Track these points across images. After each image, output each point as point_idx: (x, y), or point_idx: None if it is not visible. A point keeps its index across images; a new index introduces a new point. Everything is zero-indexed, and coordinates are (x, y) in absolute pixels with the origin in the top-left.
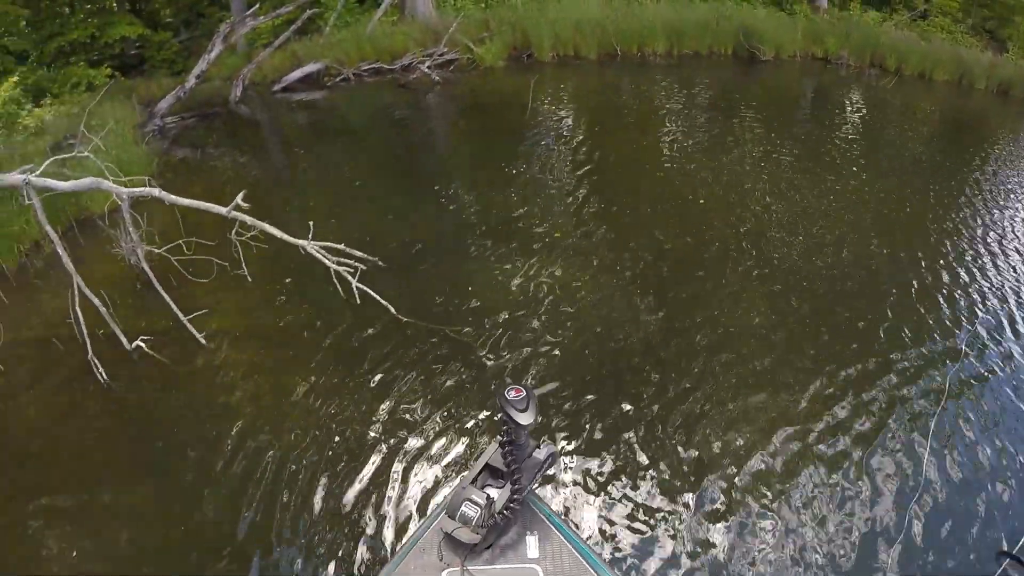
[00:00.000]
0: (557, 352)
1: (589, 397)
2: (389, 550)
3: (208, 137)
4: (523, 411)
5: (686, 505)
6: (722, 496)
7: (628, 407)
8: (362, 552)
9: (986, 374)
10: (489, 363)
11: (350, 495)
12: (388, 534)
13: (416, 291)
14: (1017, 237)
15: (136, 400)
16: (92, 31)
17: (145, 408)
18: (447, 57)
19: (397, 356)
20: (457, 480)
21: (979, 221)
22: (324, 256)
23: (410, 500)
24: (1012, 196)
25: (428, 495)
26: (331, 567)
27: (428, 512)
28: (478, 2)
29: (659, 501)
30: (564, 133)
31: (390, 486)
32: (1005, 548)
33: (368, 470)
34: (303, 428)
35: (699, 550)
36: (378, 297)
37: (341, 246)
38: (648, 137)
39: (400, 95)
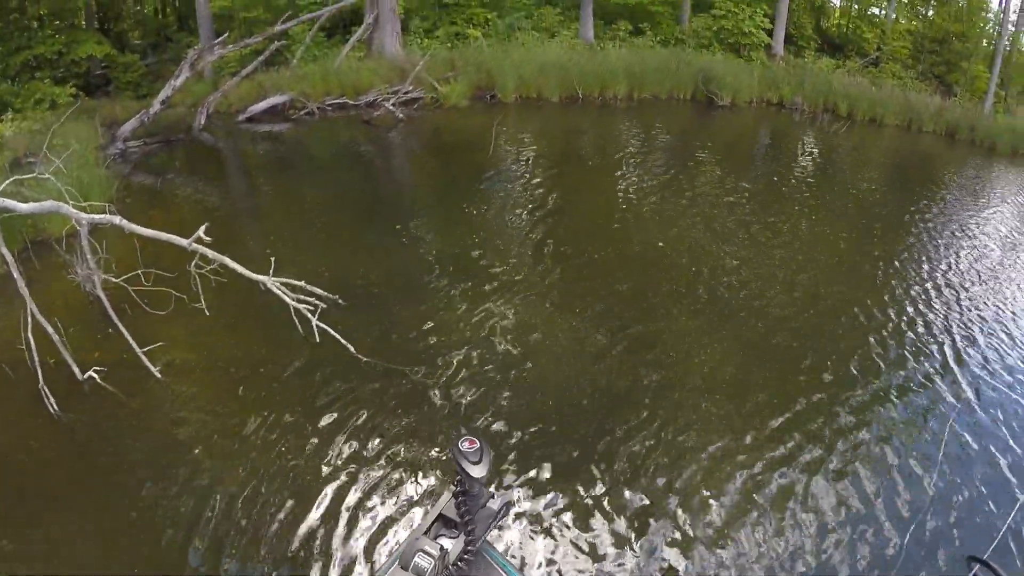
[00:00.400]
0: (512, 394)
1: (543, 442)
2: None
3: (170, 163)
4: (476, 463)
5: (644, 552)
6: (677, 539)
7: (582, 451)
8: None
9: (934, 403)
10: (445, 405)
11: (299, 541)
12: None
13: (375, 329)
14: (960, 271)
15: (87, 433)
16: (59, 47)
17: (96, 441)
18: (412, 95)
19: (353, 396)
20: (410, 529)
21: (925, 257)
22: (284, 293)
23: (361, 547)
24: (956, 232)
25: (380, 542)
26: None
27: (380, 562)
28: (444, 42)
29: (616, 548)
30: (525, 174)
31: (340, 532)
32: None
33: (318, 515)
34: (254, 468)
35: None
36: (337, 336)
37: (301, 283)
38: (607, 179)
39: (364, 131)
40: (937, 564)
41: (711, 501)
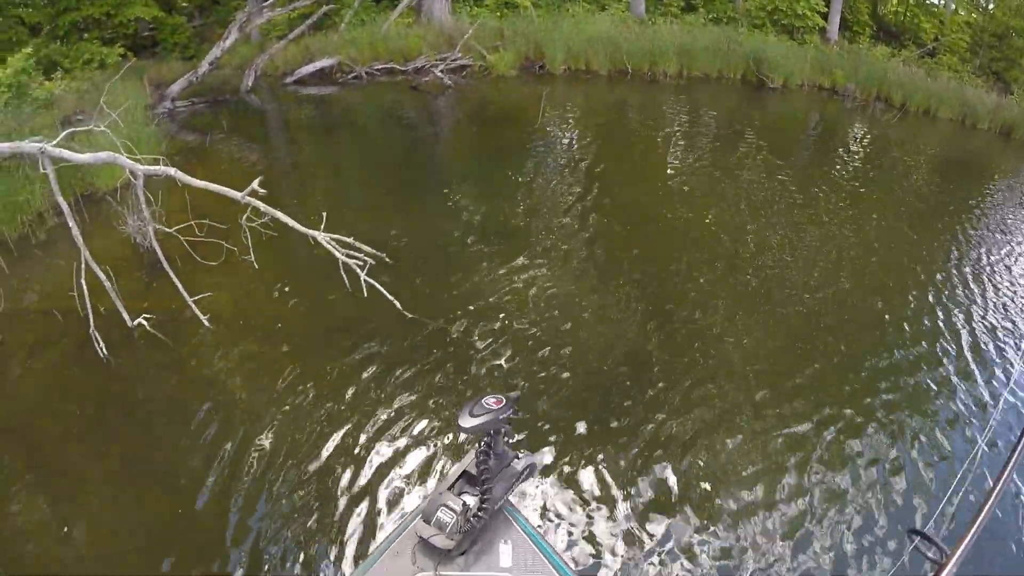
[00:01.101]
0: (547, 360)
1: (573, 408)
2: (364, 551)
3: (217, 123)
4: (499, 420)
5: (665, 527)
6: (702, 522)
7: (613, 424)
8: (337, 551)
9: (964, 402)
10: (483, 365)
11: (331, 492)
12: (363, 534)
13: (419, 289)
14: (1008, 271)
15: (134, 378)
16: (108, 9)
17: (143, 387)
18: (460, 62)
19: (394, 352)
20: (435, 485)
21: (971, 257)
22: (335, 248)
23: (388, 501)
24: (1003, 232)
25: (406, 497)
26: (305, 564)
27: (404, 515)
28: (494, 11)
29: (636, 521)
30: (571, 146)
31: (369, 483)
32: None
33: (351, 468)
34: (294, 419)
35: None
36: (385, 292)
37: (351, 239)
38: (653, 155)
39: (411, 96)
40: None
41: (731, 481)
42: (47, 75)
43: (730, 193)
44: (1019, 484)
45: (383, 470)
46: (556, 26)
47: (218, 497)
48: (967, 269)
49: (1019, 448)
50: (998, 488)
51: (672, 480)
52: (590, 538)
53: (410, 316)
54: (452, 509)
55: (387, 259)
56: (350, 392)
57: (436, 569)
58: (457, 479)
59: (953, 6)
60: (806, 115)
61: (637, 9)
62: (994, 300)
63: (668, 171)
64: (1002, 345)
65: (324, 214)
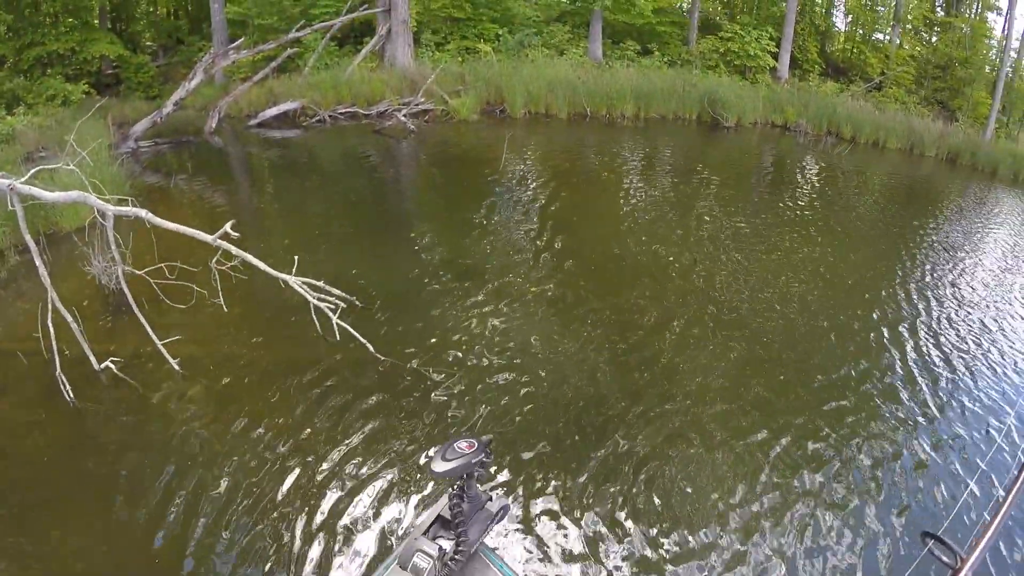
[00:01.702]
0: (518, 400)
1: (545, 448)
2: None
3: (181, 164)
4: (471, 464)
5: (640, 561)
6: (675, 548)
7: (583, 459)
8: None
9: (931, 421)
10: (456, 408)
11: (300, 542)
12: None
13: (388, 332)
14: (956, 288)
15: (101, 422)
16: (72, 45)
17: (111, 430)
18: (422, 107)
19: (365, 395)
20: (410, 530)
21: (924, 278)
22: (306, 291)
23: (363, 550)
24: (954, 254)
25: (382, 545)
26: None
27: (379, 562)
28: (455, 56)
29: (614, 557)
30: (533, 187)
31: (342, 530)
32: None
33: (321, 513)
34: (265, 464)
35: None
36: (357, 335)
37: (321, 283)
38: (613, 194)
39: (375, 140)
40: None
41: (709, 511)
42: (8, 110)
43: (685, 227)
44: None
45: (355, 515)
46: (516, 71)
47: (185, 546)
48: (934, 290)
49: None
50: (1014, 491)
51: (654, 510)
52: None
53: (382, 358)
54: (428, 554)
55: (357, 302)
56: (320, 436)
57: None
58: (432, 524)
59: (898, 41)
60: (760, 151)
61: (595, 54)
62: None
63: (625, 208)
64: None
65: (296, 258)
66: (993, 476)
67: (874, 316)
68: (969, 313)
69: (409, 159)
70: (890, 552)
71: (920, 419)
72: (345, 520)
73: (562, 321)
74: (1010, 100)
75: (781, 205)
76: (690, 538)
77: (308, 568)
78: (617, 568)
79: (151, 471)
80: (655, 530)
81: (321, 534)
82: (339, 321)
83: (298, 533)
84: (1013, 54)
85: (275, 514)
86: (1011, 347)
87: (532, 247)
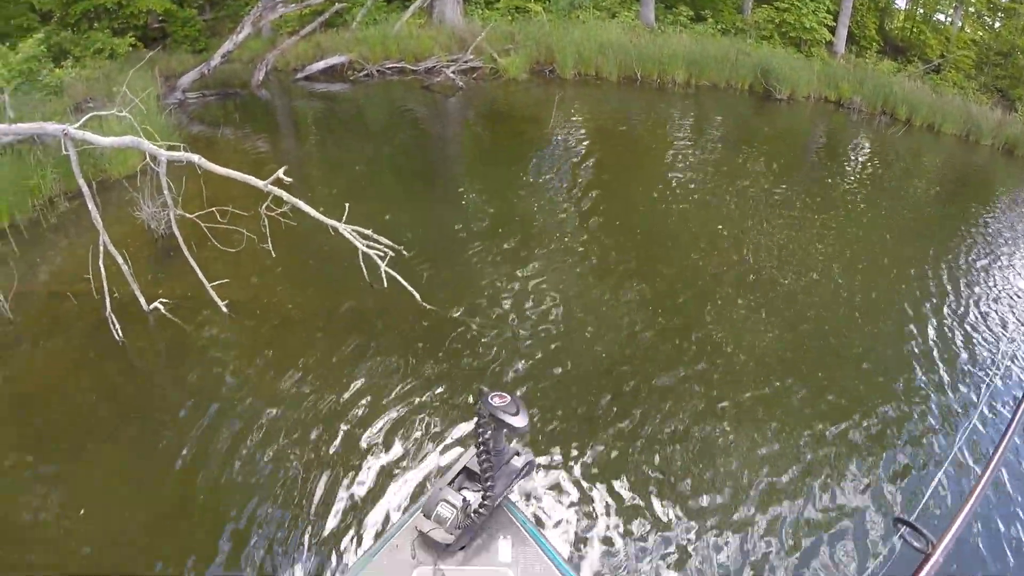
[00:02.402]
0: (555, 355)
1: (577, 405)
2: (364, 543)
3: (229, 116)
4: (515, 415)
5: (661, 527)
6: (693, 514)
7: (612, 419)
8: (336, 544)
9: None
10: (496, 359)
11: (331, 485)
12: (365, 527)
13: (433, 282)
14: (1008, 286)
15: (149, 361)
16: None
17: (158, 370)
18: (471, 64)
19: (408, 343)
20: (435, 480)
21: (972, 272)
22: (356, 238)
23: (389, 496)
24: (1002, 248)
25: (407, 493)
26: (305, 556)
27: (404, 510)
28: (505, 14)
29: (636, 521)
30: (581, 149)
31: (373, 478)
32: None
33: (355, 459)
34: (303, 411)
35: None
36: (405, 283)
37: (370, 231)
38: (660, 160)
39: (423, 96)
40: None
41: (722, 474)
42: (57, 63)
43: (732, 199)
44: (1006, 473)
45: (387, 463)
46: (567, 32)
47: (223, 487)
48: (962, 278)
49: (1006, 437)
50: (985, 477)
51: (666, 476)
52: (588, 534)
53: (428, 307)
54: (452, 504)
55: (404, 251)
56: (361, 382)
57: (436, 563)
58: (457, 475)
59: (960, 23)
60: (812, 126)
61: (647, 18)
62: (987, 304)
63: (672, 175)
64: (990, 343)
65: (347, 205)
66: None
67: (922, 302)
68: (1002, 307)
69: (457, 115)
70: (861, 537)
71: (933, 404)
72: (380, 469)
73: (602, 282)
74: None
75: (830, 182)
76: (711, 512)
77: (346, 514)
78: (637, 534)
79: (197, 409)
80: (669, 497)
81: (358, 481)
82: (387, 269)
83: (337, 475)
84: None
85: (314, 455)
86: None
87: (576, 208)
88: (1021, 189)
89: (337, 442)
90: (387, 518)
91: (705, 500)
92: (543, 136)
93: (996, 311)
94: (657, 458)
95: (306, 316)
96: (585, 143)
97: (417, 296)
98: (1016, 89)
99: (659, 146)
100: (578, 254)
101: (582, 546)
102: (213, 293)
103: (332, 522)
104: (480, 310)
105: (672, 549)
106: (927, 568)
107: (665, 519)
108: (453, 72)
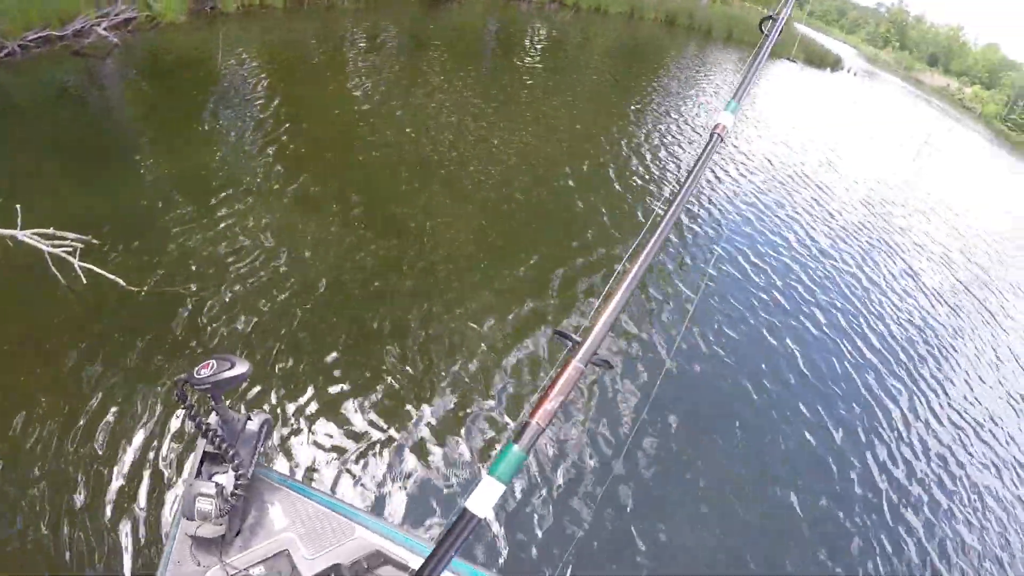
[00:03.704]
0: (275, 301)
1: (305, 347)
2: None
3: None
4: (231, 367)
5: (404, 431)
6: (437, 417)
7: (347, 354)
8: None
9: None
10: (216, 325)
11: (91, 509)
12: (140, 545)
13: (136, 263)
14: (682, 134)
15: None
16: None
17: None
18: (124, 16)
19: (127, 334)
20: (183, 480)
21: (647, 120)
22: (39, 241)
23: (146, 516)
24: (676, 99)
25: (163, 503)
26: None
27: (167, 523)
28: None
29: (380, 432)
30: (258, 85)
31: (146, 496)
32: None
33: (101, 479)
34: (46, 455)
35: (426, 470)
36: (105, 272)
37: (51, 230)
38: (343, 83)
39: (75, 64)
40: None
41: (477, 371)
42: None
43: (422, 104)
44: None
45: (140, 484)
46: None
47: None
48: (643, 126)
49: (649, 244)
50: (629, 279)
51: (421, 382)
52: (346, 466)
53: (135, 290)
54: (208, 495)
55: (93, 240)
56: (97, 399)
57: (220, 558)
58: (201, 464)
59: None
60: (485, 22)
61: None
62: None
63: (357, 95)
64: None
65: (18, 208)
66: None
67: (607, 159)
68: (686, 141)
69: (116, 77)
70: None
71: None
72: (130, 493)
73: (308, 216)
74: None
75: (513, 70)
76: (459, 399)
77: (113, 552)
78: (393, 444)
79: None
80: (424, 403)
81: (109, 512)
82: (81, 264)
83: (95, 506)
84: None
85: (40, 487)
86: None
87: (265, 146)
88: (686, 53)
89: (91, 476)
90: (154, 530)
91: (468, 394)
92: (214, 80)
93: (673, 148)
94: (400, 371)
95: (13, 350)
96: (260, 77)
97: (121, 282)
98: None
99: (337, 67)
100: (276, 192)
101: (346, 479)
102: None
103: (119, 539)
104: (193, 275)
105: (415, 442)
106: (569, 368)
107: (424, 428)
108: (105, 29)
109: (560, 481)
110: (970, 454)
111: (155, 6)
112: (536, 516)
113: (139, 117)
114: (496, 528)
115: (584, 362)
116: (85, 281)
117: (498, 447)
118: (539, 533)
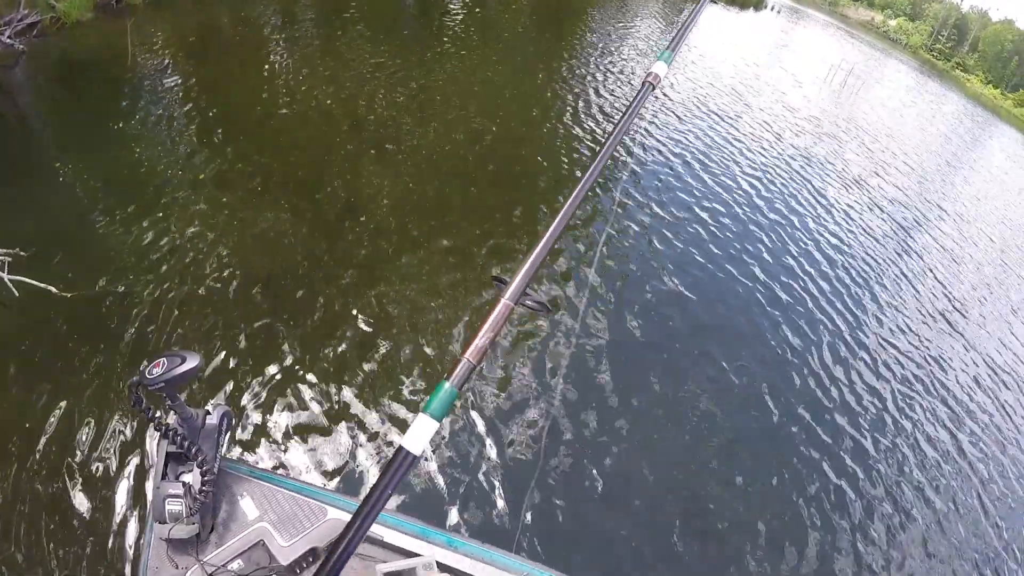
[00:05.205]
0: (216, 290)
1: (252, 336)
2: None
3: None
4: (182, 362)
5: (362, 402)
6: (393, 380)
7: (293, 326)
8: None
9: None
10: (157, 324)
11: (54, 537)
12: (115, 567)
13: (69, 270)
14: (608, 82)
15: None
16: None
17: None
18: (28, 21)
19: (63, 342)
20: (149, 483)
21: (577, 71)
22: None
23: (123, 523)
24: (601, 54)
25: (135, 512)
26: None
27: (142, 531)
28: None
29: (338, 411)
30: (174, 75)
31: (122, 503)
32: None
33: (71, 505)
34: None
35: (387, 437)
36: (35, 282)
37: None
38: (261, 62)
39: None
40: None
41: (426, 329)
42: None
43: (345, 75)
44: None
45: (87, 491)
46: None
47: None
48: (581, 76)
49: (579, 187)
50: (552, 228)
51: (359, 360)
52: (309, 447)
53: (69, 296)
54: (176, 496)
55: (21, 252)
56: (27, 403)
57: (198, 557)
58: (165, 466)
59: None
60: None
61: None
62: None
63: (279, 72)
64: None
65: None
66: None
67: (539, 114)
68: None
69: (25, 86)
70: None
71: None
72: (104, 502)
73: (238, 200)
74: None
75: (434, 32)
76: (410, 360)
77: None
78: (354, 418)
79: None
80: (378, 369)
81: (82, 515)
82: (11, 277)
83: (39, 522)
84: None
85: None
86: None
87: (190, 136)
88: (606, 6)
89: (60, 490)
90: (128, 541)
91: (419, 344)
92: (128, 75)
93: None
94: (352, 337)
95: None
96: (175, 67)
97: (53, 289)
98: None
99: (254, 46)
100: (203, 182)
101: (310, 457)
102: None
103: (91, 553)
104: (129, 274)
105: (375, 412)
106: (499, 306)
107: (364, 397)
108: (9, 37)
109: (507, 424)
110: (872, 352)
111: (58, 7)
112: (490, 459)
113: (55, 123)
114: (456, 473)
115: (513, 300)
116: (18, 294)
117: None
118: (500, 477)
